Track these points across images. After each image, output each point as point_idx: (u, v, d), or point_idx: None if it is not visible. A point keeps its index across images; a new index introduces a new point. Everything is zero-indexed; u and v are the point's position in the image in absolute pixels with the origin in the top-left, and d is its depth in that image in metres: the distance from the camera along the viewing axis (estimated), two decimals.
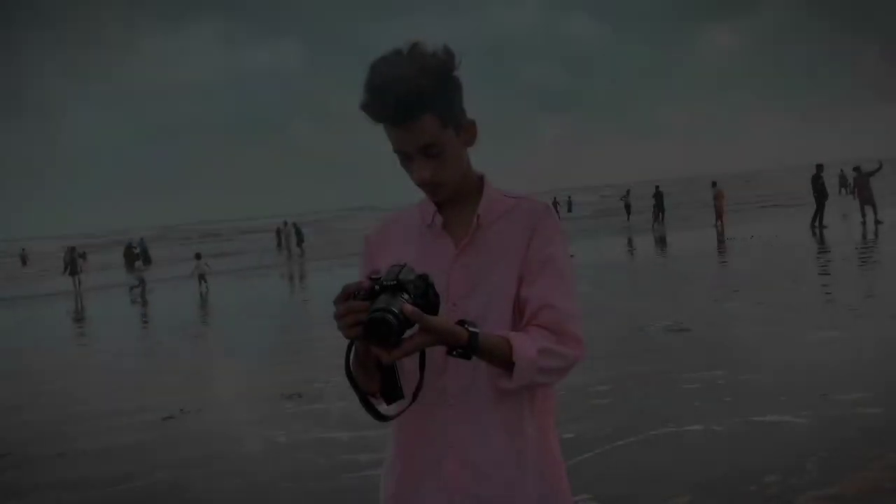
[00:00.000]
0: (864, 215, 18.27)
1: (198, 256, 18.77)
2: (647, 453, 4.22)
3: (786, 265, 11.89)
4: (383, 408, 1.34)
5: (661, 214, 26.83)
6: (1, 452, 5.42)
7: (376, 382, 1.32)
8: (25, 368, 9.28)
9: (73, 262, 21.89)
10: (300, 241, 31.04)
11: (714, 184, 22.85)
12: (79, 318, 15.63)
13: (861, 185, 18.74)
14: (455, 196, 1.41)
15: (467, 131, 1.38)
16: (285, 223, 32.35)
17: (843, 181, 35.18)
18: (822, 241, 15.86)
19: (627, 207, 30.30)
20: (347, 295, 1.21)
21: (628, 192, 31.33)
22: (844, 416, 4.45)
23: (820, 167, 19.61)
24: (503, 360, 1.28)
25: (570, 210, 41.51)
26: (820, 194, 18.79)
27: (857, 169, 19.49)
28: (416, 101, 1.28)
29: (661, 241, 20.38)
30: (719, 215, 21.29)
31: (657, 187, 28.50)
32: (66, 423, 6.23)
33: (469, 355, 1.24)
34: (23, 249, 44.04)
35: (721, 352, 6.43)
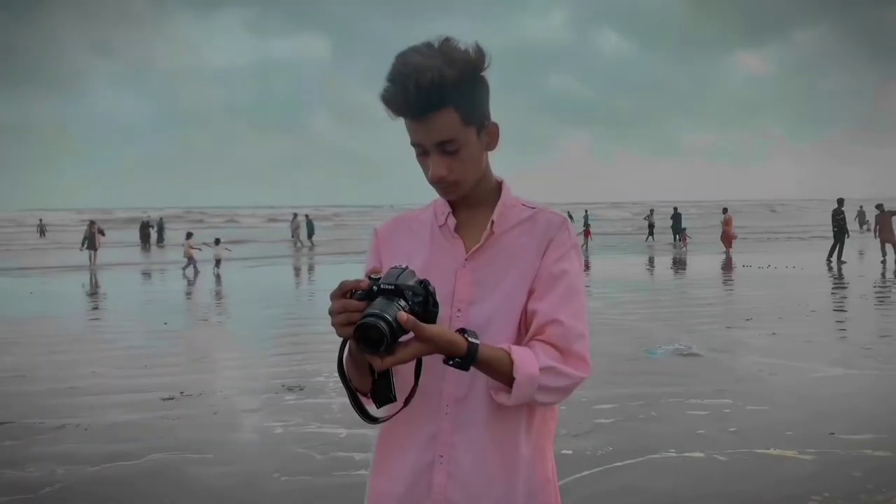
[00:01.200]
0: (884, 254, 18.04)
1: (217, 241, 19.10)
2: (645, 477, 4.15)
3: (801, 298, 11.73)
4: (372, 409, 1.31)
5: (677, 236, 26.63)
6: (1, 420, 5.44)
7: (369, 383, 1.28)
8: (33, 340, 9.32)
9: (91, 237, 22.03)
10: (311, 233, 31.12)
11: (725, 210, 23.45)
12: (92, 292, 15.73)
13: (883, 224, 18.52)
14: (471, 199, 1.37)
15: (489, 134, 1.34)
16: (295, 215, 32.36)
17: (861, 218, 35.33)
18: (839, 276, 15.66)
19: (651, 227, 29.87)
20: (344, 292, 1.17)
21: (652, 211, 30.91)
22: (851, 456, 4.36)
23: (841, 201, 19.41)
24: (503, 375, 1.23)
25: (586, 225, 41.29)
26: (840, 229, 18.60)
27: (879, 207, 19.25)
28: (438, 93, 1.23)
29: (678, 263, 20.22)
30: (728, 241, 21.24)
31: (675, 209, 28.36)
32: (68, 396, 6.25)
33: (467, 366, 1.20)
34: (40, 220, 44.45)
35: (730, 380, 6.34)
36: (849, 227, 19.50)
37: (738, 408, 5.43)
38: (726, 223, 22.46)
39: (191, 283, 16.53)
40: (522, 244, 1.35)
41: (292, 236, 31.54)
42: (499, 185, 1.40)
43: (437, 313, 1.20)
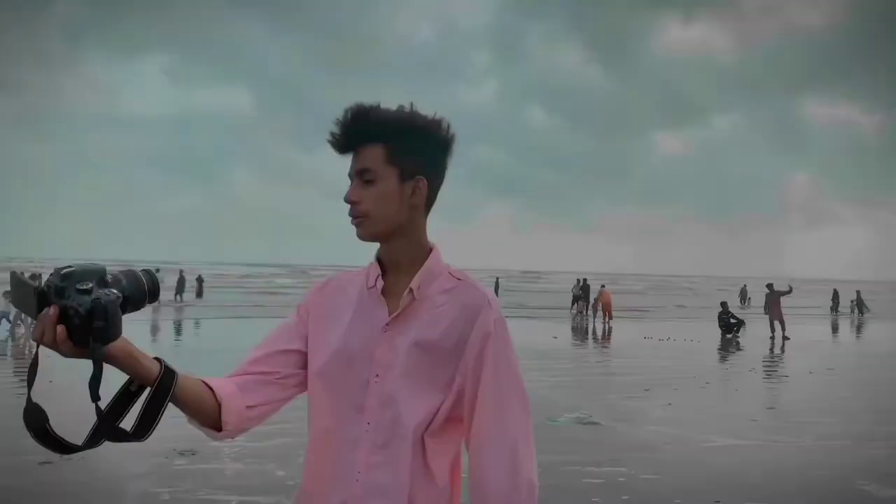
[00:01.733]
0: (773, 330, 19.14)
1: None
2: None
3: (697, 370, 12.24)
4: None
5: (586, 306, 27.39)
6: None
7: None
8: None
9: None
10: (181, 291, 30.14)
11: (603, 286, 25.41)
12: None
13: (772, 302, 19.71)
14: (402, 263, 1.37)
15: (417, 188, 1.35)
16: (157, 270, 30.84)
17: (743, 295, 38.48)
18: (732, 350, 16.46)
19: (575, 298, 30.08)
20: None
21: (578, 281, 31.04)
22: None
23: (724, 304, 20.63)
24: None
25: (495, 293, 41.79)
26: (727, 328, 19.71)
27: (769, 286, 20.53)
28: (367, 130, 1.31)
29: (586, 333, 20.75)
30: (605, 312, 23.54)
31: (584, 279, 29.26)
32: None
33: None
34: None
35: (626, 449, 6.49)
36: (736, 314, 20.81)
37: (632, 476, 5.55)
38: (601, 296, 24.39)
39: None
40: (444, 316, 1.34)
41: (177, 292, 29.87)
42: (430, 252, 1.40)
43: (102, 328, 1.11)
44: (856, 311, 33.29)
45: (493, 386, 1.33)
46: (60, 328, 1.09)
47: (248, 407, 1.35)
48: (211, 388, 1.32)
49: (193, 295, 31.64)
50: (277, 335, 1.43)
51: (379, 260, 1.40)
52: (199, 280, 33.65)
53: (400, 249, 1.37)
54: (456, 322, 1.33)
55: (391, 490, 1.31)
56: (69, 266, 1.11)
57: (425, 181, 1.35)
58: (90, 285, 1.09)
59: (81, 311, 1.08)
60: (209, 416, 1.32)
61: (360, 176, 1.33)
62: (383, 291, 1.38)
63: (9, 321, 16.28)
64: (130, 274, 1.16)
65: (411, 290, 1.34)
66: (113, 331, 1.10)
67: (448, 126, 1.36)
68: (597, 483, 5.35)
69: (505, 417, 1.32)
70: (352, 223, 1.35)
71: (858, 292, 34.31)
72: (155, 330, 17.91)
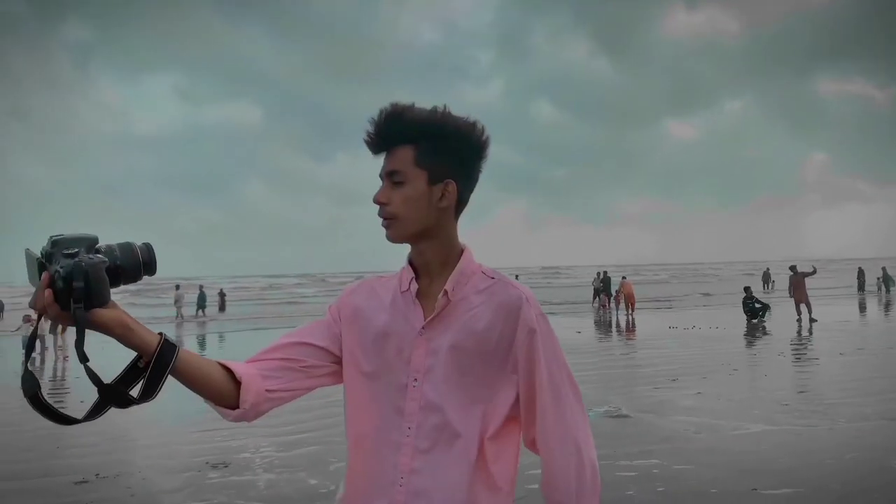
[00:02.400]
0: (799, 313, 18.91)
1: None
2: None
3: (724, 357, 12.12)
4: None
5: (608, 299, 27.23)
6: None
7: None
8: None
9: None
10: (203, 305, 30.19)
11: (623, 277, 25.42)
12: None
13: (796, 285, 19.48)
14: (433, 265, 1.37)
15: (446, 191, 1.34)
16: (178, 287, 30.17)
17: (767, 278, 38.16)
18: (759, 335, 16.29)
19: (597, 291, 29.97)
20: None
21: (598, 274, 30.87)
22: None
23: (748, 289, 20.33)
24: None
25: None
26: (752, 313, 19.41)
27: (792, 268, 20.29)
28: (398, 131, 1.32)
29: (609, 326, 20.64)
30: (627, 304, 23.34)
31: (605, 272, 29.12)
32: None
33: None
34: None
35: (657, 440, 6.44)
36: (760, 299, 20.52)
37: (666, 467, 5.51)
38: (623, 287, 24.16)
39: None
40: (478, 314, 1.33)
41: (177, 308, 29.00)
42: (462, 253, 1.39)
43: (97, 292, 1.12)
44: (882, 288, 32.85)
45: (549, 382, 1.33)
46: (48, 292, 1.10)
47: (267, 391, 1.34)
48: (229, 370, 1.32)
49: (216, 309, 31.91)
50: (307, 329, 1.43)
51: (411, 263, 1.39)
52: (222, 294, 33.94)
53: (430, 252, 1.36)
54: (494, 322, 1.33)
55: (436, 496, 1.29)
56: (60, 234, 1.13)
57: (454, 184, 1.34)
58: (76, 250, 1.11)
59: (62, 274, 1.09)
60: (224, 395, 1.31)
61: (390, 177, 1.33)
62: (417, 294, 1.37)
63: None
64: (125, 245, 1.16)
65: (446, 292, 1.34)
66: (95, 294, 1.11)
67: (482, 129, 1.35)
68: (630, 476, 5.31)
69: (564, 412, 1.33)
70: (382, 225, 1.35)
71: (884, 269, 33.86)
72: (180, 345, 18.06)
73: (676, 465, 5.58)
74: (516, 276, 41.18)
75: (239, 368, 1.33)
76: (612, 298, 26.66)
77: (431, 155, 1.32)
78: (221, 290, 35.48)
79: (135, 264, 1.16)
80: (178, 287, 29.87)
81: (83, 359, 1.14)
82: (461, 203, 1.38)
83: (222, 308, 32.57)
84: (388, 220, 1.34)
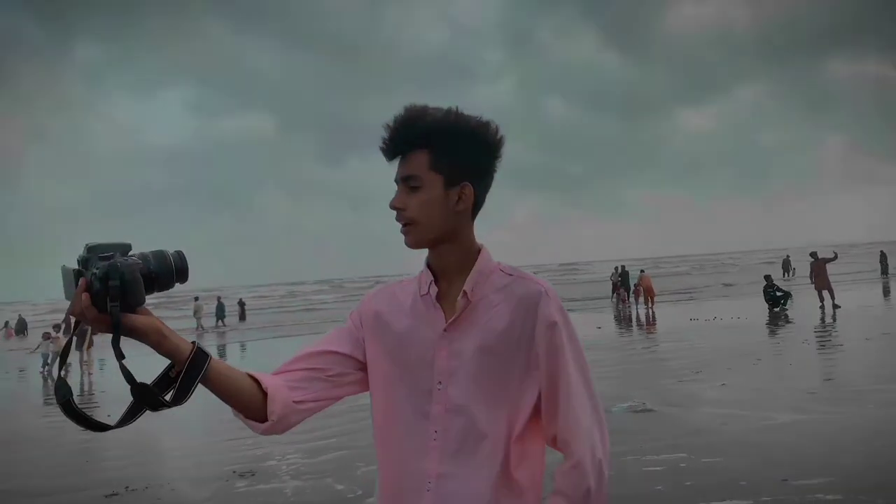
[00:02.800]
0: (821, 300, 18.69)
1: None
2: None
3: (748, 347, 12.01)
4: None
5: (627, 293, 27.08)
6: None
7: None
8: None
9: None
10: (222, 316, 30.46)
11: (642, 270, 25.20)
12: (38, 387, 15.02)
13: (818, 271, 19.25)
14: (451, 267, 1.37)
15: (462, 194, 1.33)
16: (196, 298, 30.41)
17: (786, 266, 37.88)
18: (781, 323, 16.12)
19: (614, 286, 29.73)
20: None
21: (616, 269, 30.72)
22: (806, 501, 4.41)
23: (768, 277, 20.11)
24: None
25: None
26: (773, 302, 19.18)
27: (813, 255, 20.05)
28: (412, 136, 1.31)
29: (630, 320, 20.53)
30: (646, 297, 23.29)
31: (622, 266, 28.97)
32: (2, 500, 5.89)
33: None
34: (6, 322, 36.39)
35: (684, 434, 6.39)
36: (781, 286, 20.30)
37: (694, 461, 5.46)
38: (641, 281, 24.07)
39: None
40: (498, 312, 1.33)
41: (197, 320, 29.28)
42: (479, 253, 1.39)
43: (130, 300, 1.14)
44: None
45: (569, 377, 1.32)
46: (85, 296, 1.11)
47: (295, 402, 1.34)
48: (257, 381, 1.31)
49: (237, 319, 32.12)
50: (329, 337, 1.42)
51: (429, 266, 1.39)
52: (241, 304, 34.18)
53: (448, 255, 1.36)
54: (515, 318, 1.32)
55: (464, 499, 1.29)
56: (96, 242, 1.15)
57: (470, 187, 1.34)
58: (111, 254, 1.13)
59: (98, 275, 1.11)
60: (252, 407, 1.31)
61: (405, 182, 1.33)
62: (437, 297, 1.36)
63: (47, 363, 16.46)
64: (158, 253, 1.17)
65: (465, 292, 1.33)
66: (131, 293, 1.12)
67: (496, 128, 1.35)
68: (658, 471, 5.27)
69: (582, 409, 1.32)
70: (400, 231, 1.35)
71: None
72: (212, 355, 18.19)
73: (705, 458, 5.52)
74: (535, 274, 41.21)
75: (266, 380, 1.32)
76: (630, 292, 26.49)
77: (446, 158, 1.31)
78: (241, 299, 35.74)
79: (167, 271, 1.17)
80: (197, 298, 30.14)
81: (119, 356, 1.15)
82: (478, 204, 1.37)
83: (242, 317, 32.82)
84: (407, 225, 1.33)
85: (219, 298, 31.81)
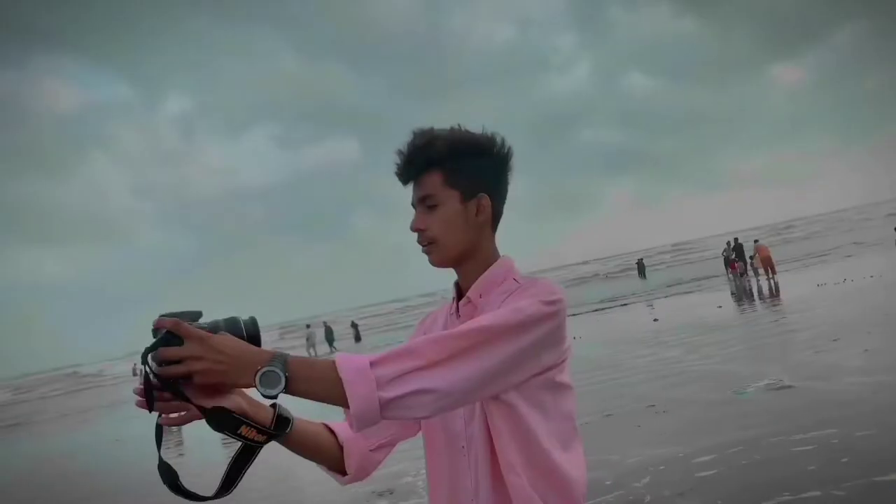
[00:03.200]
0: None
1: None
2: None
3: (888, 307, 11.17)
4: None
5: (744, 266, 25.81)
6: None
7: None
8: (121, 482, 9.50)
9: None
10: (331, 341, 31.15)
11: (756, 241, 24.07)
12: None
13: None
14: (474, 281, 1.36)
15: (480, 206, 1.34)
16: (307, 325, 31.28)
17: None
18: None
19: (727, 261, 28.46)
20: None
21: (728, 244, 28.41)
22: None
23: None
24: (330, 385, 1.09)
25: (643, 275, 40.62)
26: None
27: None
28: (422, 159, 1.32)
29: (751, 295, 19.58)
30: (765, 268, 21.98)
31: (736, 239, 27.66)
32: None
33: (275, 388, 1.06)
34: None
35: (831, 407, 6.00)
36: None
37: (846, 436, 5.11)
38: (758, 251, 22.88)
39: None
40: None
41: (308, 348, 29.97)
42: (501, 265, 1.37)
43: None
44: None
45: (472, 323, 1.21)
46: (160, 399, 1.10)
47: (371, 450, 1.39)
48: (333, 432, 1.35)
49: (352, 341, 32.96)
50: None
51: (457, 285, 1.40)
52: (354, 326, 35.02)
53: (473, 272, 1.36)
54: None
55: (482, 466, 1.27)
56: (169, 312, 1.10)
57: (487, 198, 1.35)
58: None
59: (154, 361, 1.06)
60: (333, 461, 1.37)
61: (423, 202, 1.34)
62: (458, 313, 1.37)
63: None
64: (231, 320, 1.12)
65: (469, 298, 1.34)
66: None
67: (503, 140, 1.36)
68: (808, 450, 4.96)
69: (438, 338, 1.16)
70: (423, 251, 1.36)
71: None
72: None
73: (858, 431, 5.16)
74: (640, 260, 39.79)
75: (342, 432, 1.38)
76: (748, 265, 25.25)
77: (459, 173, 1.33)
78: (353, 321, 36.64)
79: (240, 338, 1.12)
80: (308, 326, 31.28)
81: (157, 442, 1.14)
82: (496, 216, 1.38)
83: (358, 338, 33.61)
84: (429, 245, 1.34)
85: (325, 324, 32.69)
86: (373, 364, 1.10)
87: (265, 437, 1.16)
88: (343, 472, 1.39)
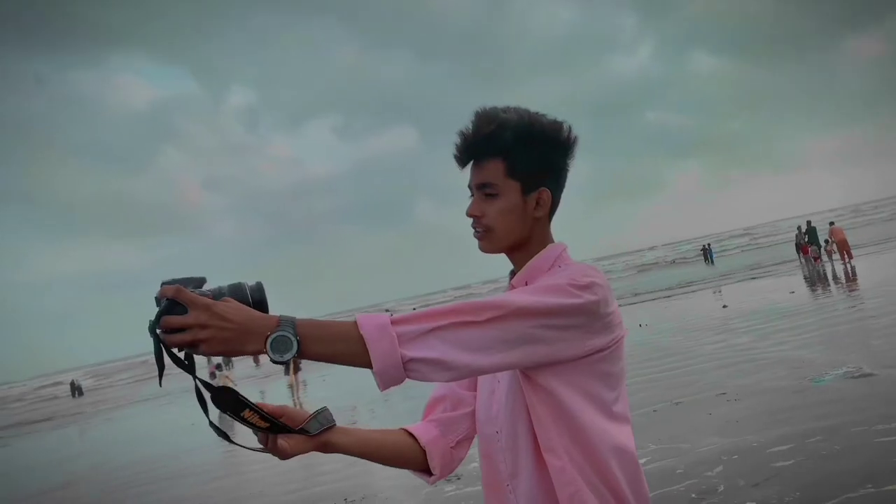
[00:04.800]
0: None
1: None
2: None
3: None
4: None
5: (818, 251, 24.82)
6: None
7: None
8: (201, 469, 9.85)
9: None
10: None
11: (831, 223, 23.07)
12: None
13: None
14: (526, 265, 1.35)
15: (540, 199, 1.31)
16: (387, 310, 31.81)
17: None
18: None
19: (798, 246, 27.44)
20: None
21: (800, 228, 27.36)
22: None
23: None
24: (351, 343, 1.08)
25: (710, 260, 39.53)
26: None
27: None
28: (487, 146, 1.29)
29: (825, 280, 18.85)
30: (841, 252, 21.08)
31: (809, 222, 26.63)
32: None
33: (286, 350, 1.05)
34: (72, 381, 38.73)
35: None
36: None
37: None
38: (833, 234, 21.95)
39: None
40: None
41: None
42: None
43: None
44: None
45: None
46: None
47: (451, 448, 1.41)
48: (414, 437, 1.39)
49: None
50: None
51: (513, 273, 1.39)
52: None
53: (523, 259, 1.35)
54: None
55: (543, 492, 1.26)
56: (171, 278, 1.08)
57: (548, 192, 1.32)
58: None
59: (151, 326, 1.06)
60: (417, 463, 1.39)
61: (481, 189, 1.31)
62: None
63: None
64: (236, 286, 1.10)
65: (513, 286, 1.33)
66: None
67: (569, 128, 1.32)
68: (893, 441, 4.76)
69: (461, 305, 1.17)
70: (474, 236, 1.34)
71: None
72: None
73: None
74: (707, 245, 38.58)
75: (422, 435, 1.40)
76: (822, 249, 24.28)
77: (523, 165, 1.30)
78: (413, 308, 36.80)
79: (245, 304, 1.10)
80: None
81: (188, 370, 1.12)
82: (554, 206, 1.35)
83: None
84: (483, 231, 1.32)
85: (386, 311, 33.08)
86: (393, 322, 1.11)
87: (268, 424, 1.18)
88: (429, 473, 1.41)
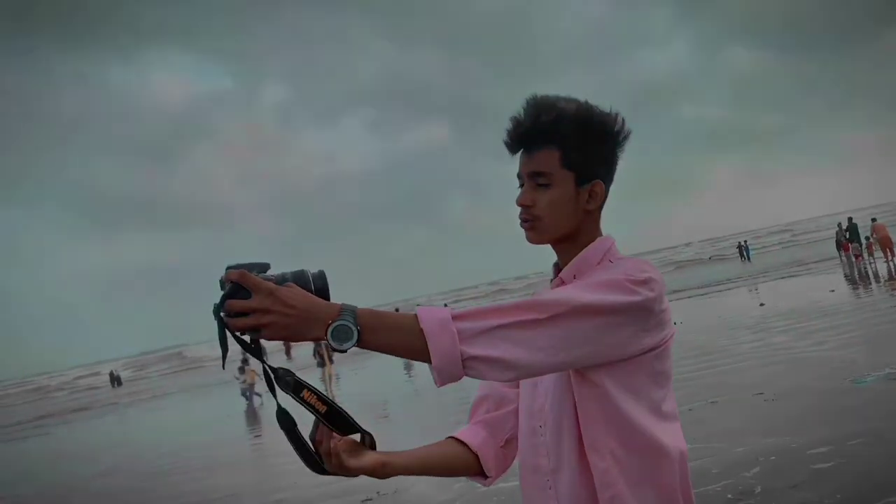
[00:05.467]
0: None
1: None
2: None
3: None
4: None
5: (860, 248, 24.23)
6: None
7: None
8: (237, 460, 10.00)
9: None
10: None
11: (873, 220, 22.37)
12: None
13: None
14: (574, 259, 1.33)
15: (592, 191, 1.29)
16: (396, 310, 31.52)
17: None
18: None
19: (839, 243, 26.49)
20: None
21: (840, 225, 26.83)
22: None
23: None
24: (411, 336, 1.07)
25: (746, 257, 38.88)
26: None
27: None
28: (543, 132, 1.27)
29: (867, 278, 18.41)
30: (883, 249, 20.57)
31: (850, 219, 26.02)
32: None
33: (346, 340, 1.05)
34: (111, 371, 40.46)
35: None
36: None
37: None
38: (875, 231, 21.48)
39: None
40: None
41: None
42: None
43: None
44: None
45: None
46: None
47: (501, 447, 1.40)
48: (463, 443, 1.38)
49: None
50: None
51: (557, 266, 1.36)
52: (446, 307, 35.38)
53: (570, 252, 1.32)
54: None
55: (581, 491, 1.24)
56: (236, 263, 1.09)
57: (601, 184, 1.30)
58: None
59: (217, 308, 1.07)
60: (471, 469, 1.39)
61: (533, 178, 1.28)
62: None
63: (257, 395, 16.90)
64: (298, 273, 1.10)
65: (561, 280, 1.30)
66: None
67: (623, 120, 1.29)
68: None
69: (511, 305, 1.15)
70: (521, 226, 1.31)
71: None
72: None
73: None
74: (743, 242, 37.89)
75: (473, 440, 1.39)
76: (863, 246, 23.70)
77: (578, 155, 1.27)
78: (444, 304, 36.94)
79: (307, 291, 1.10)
80: (396, 310, 31.71)
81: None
82: (604, 200, 1.33)
83: None
84: (532, 221, 1.29)
85: (417, 307, 33.25)
86: (454, 318, 1.09)
87: (326, 407, 1.17)
88: (484, 475, 1.40)
